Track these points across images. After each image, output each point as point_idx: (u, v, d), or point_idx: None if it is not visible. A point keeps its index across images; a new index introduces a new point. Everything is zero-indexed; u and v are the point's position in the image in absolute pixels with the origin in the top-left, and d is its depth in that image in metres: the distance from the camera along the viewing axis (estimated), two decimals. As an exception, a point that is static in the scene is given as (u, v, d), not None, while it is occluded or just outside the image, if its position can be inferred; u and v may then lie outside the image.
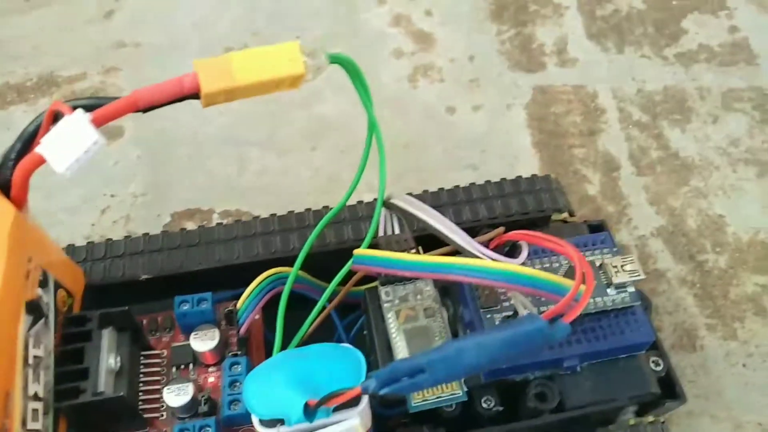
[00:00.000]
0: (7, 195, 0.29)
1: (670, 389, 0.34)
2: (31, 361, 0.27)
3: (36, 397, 0.27)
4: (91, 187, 0.50)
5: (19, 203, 0.29)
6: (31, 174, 0.28)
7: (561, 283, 0.26)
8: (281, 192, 0.49)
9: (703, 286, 0.46)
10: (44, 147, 0.26)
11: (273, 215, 0.40)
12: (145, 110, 0.28)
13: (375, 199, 0.40)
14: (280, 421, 0.26)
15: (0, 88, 0.56)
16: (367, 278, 0.35)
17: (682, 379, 0.35)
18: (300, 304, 0.37)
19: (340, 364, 0.27)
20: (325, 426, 0.27)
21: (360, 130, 0.52)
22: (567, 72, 0.59)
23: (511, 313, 0.31)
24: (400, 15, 0.62)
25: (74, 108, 0.26)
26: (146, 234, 0.38)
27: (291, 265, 0.35)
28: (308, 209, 0.40)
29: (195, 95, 0.29)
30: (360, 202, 0.40)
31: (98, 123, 0.26)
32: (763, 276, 0.47)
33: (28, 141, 0.28)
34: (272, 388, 0.26)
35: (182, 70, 0.27)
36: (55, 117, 0.27)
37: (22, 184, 0.28)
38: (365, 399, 0.27)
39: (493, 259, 0.28)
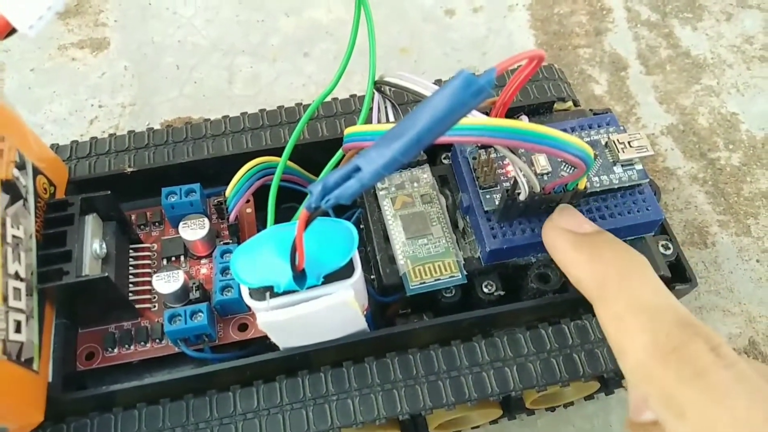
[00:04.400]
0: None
1: (680, 274, 0.33)
2: (9, 240, 0.26)
3: (17, 277, 0.26)
4: (78, 99, 0.48)
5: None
6: (-4, 43, 0.26)
7: (560, 139, 0.24)
8: (274, 101, 0.48)
9: (714, 183, 0.45)
10: (3, 6, 0.24)
11: (262, 110, 0.38)
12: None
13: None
14: (270, 291, 0.25)
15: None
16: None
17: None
18: (294, 202, 0.36)
19: (331, 235, 0.26)
20: (316, 297, 0.26)
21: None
22: (572, -28, 0.56)
23: (509, 185, 0.29)
24: None
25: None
26: (131, 131, 0.37)
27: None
28: (298, 104, 0.38)
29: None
30: (353, 96, 0.38)
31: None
32: (778, 172, 0.45)
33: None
34: (261, 257, 0.25)
35: None
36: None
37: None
38: (358, 271, 0.26)
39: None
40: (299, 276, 0.25)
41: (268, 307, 0.25)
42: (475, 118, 0.24)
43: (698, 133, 0.47)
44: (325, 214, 0.21)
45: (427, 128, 0.20)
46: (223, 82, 0.49)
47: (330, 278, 0.26)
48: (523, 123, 0.24)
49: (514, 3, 0.53)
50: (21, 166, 0.28)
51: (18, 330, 0.26)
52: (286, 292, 0.25)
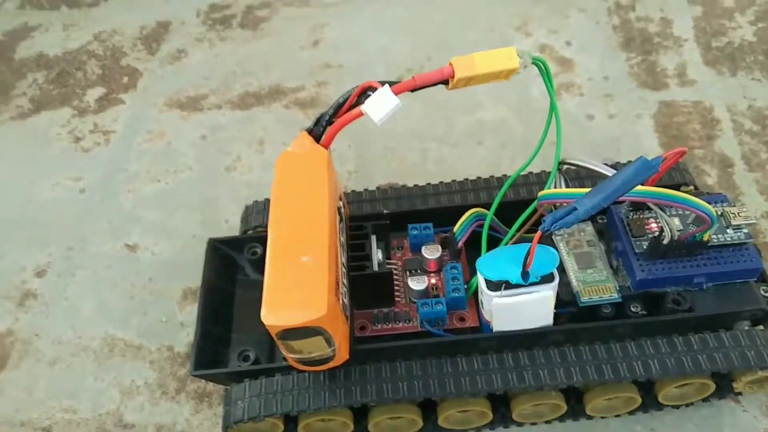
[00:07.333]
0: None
1: (776, 311, 0.45)
2: (340, 243, 0.43)
3: (344, 265, 0.43)
4: (316, 166, 0.66)
5: (326, 147, 0.45)
6: (345, 125, 0.44)
7: (697, 202, 0.39)
8: (456, 175, 0.64)
9: (806, 257, 0.56)
10: (366, 106, 0.41)
11: (466, 179, 0.54)
12: (416, 89, 0.43)
13: (542, 171, 0.54)
14: (503, 285, 0.40)
15: (243, 95, 0.75)
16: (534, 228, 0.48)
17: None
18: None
19: (542, 254, 0.41)
20: (531, 292, 0.40)
21: (516, 131, 0.67)
22: (687, 90, 0.71)
23: (653, 235, 0.43)
24: (544, 44, 0.77)
25: (382, 84, 0.42)
26: (378, 187, 0.54)
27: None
28: (492, 176, 0.54)
29: (445, 81, 0.43)
30: (531, 173, 0.54)
31: (396, 93, 0.42)
32: None
33: (338, 108, 0.44)
34: (498, 263, 0.41)
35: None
36: (362, 92, 0.43)
37: (335, 133, 0.44)
38: (557, 277, 0.41)
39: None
40: (525, 275, 0.40)
41: (501, 294, 0.41)
42: (643, 187, 0.39)
43: (793, 219, 0.59)
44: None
45: (619, 187, 0.36)
46: (418, 159, 0.67)
47: (539, 282, 0.41)
48: (673, 191, 0.39)
49: (642, 112, 0.69)
50: (340, 199, 0.46)
51: (345, 297, 0.42)
52: (514, 286, 0.40)
